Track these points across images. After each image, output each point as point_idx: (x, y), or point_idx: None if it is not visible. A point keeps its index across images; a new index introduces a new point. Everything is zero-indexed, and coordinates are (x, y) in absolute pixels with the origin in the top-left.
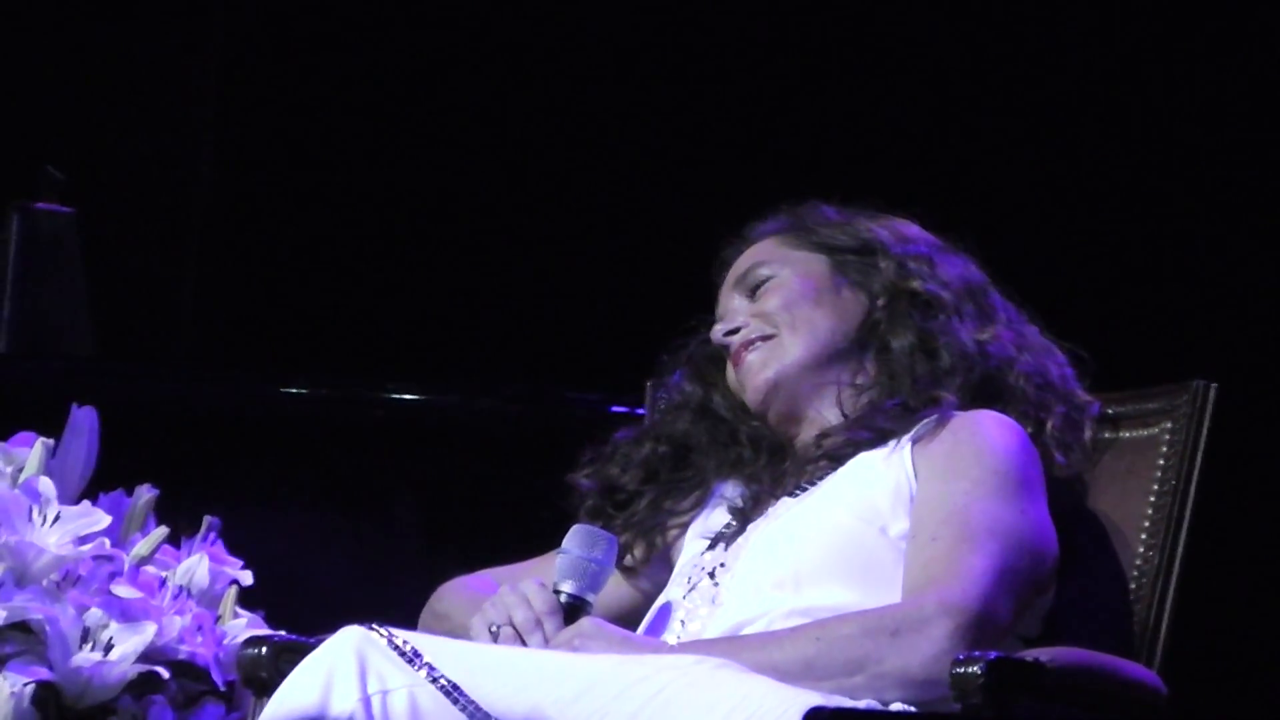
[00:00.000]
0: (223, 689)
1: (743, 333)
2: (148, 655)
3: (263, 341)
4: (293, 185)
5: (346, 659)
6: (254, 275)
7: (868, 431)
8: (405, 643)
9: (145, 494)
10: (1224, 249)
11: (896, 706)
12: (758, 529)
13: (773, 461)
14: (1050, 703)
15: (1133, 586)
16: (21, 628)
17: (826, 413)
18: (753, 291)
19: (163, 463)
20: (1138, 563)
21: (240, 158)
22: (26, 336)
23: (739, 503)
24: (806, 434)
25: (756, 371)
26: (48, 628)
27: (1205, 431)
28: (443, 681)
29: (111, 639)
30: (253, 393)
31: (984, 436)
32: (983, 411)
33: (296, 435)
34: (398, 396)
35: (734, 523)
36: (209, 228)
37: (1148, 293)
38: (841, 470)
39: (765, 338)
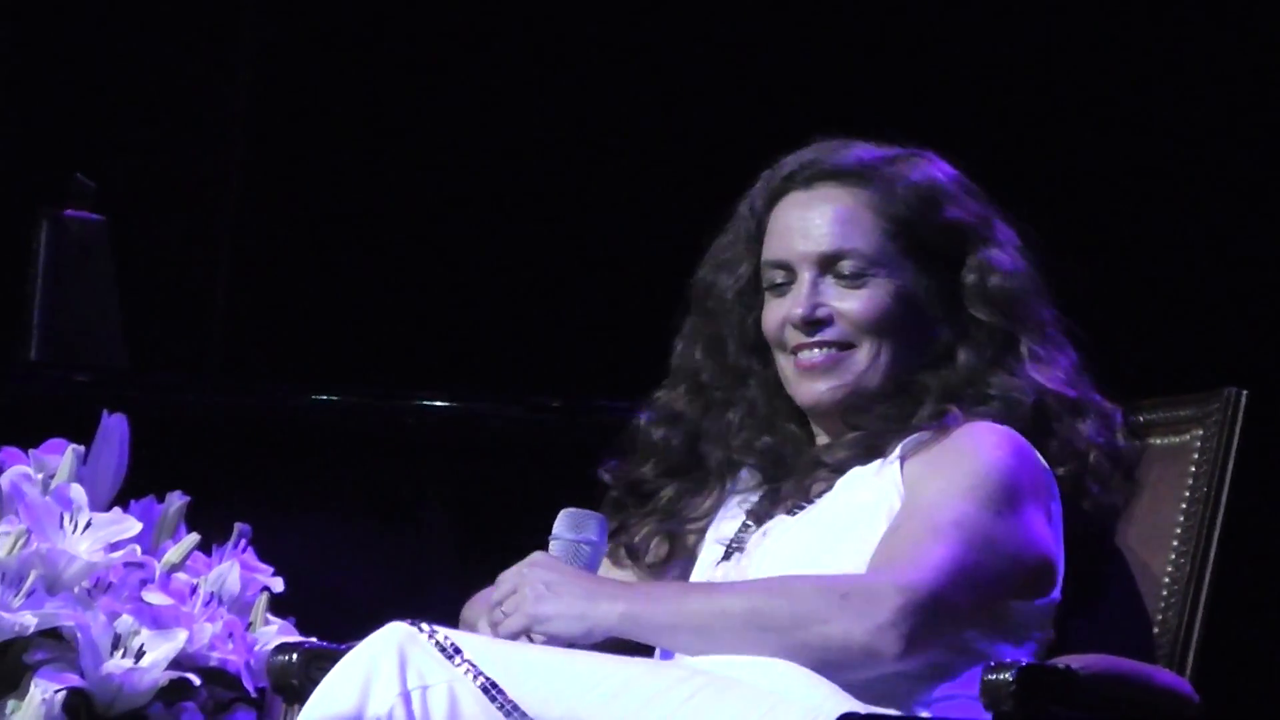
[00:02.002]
0: (254, 695)
1: (826, 333)
2: (179, 662)
3: (294, 349)
4: (324, 194)
5: (388, 654)
6: (285, 283)
7: (870, 444)
8: (447, 639)
9: (176, 501)
10: (1257, 255)
11: (926, 715)
12: (759, 548)
13: (785, 460)
14: (1080, 710)
15: (1164, 594)
16: (53, 635)
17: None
18: (838, 274)
19: (193, 470)
20: (1169, 570)
21: (272, 166)
22: (57, 344)
23: (749, 506)
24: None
25: (822, 384)
26: (79, 635)
27: (1237, 438)
28: (482, 680)
29: (143, 646)
30: (284, 400)
31: (973, 444)
32: (980, 422)
33: (327, 443)
34: (428, 404)
35: (744, 531)
36: (240, 235)
37: (1180, 299)
38: (839, 485)
39: (844, 346)
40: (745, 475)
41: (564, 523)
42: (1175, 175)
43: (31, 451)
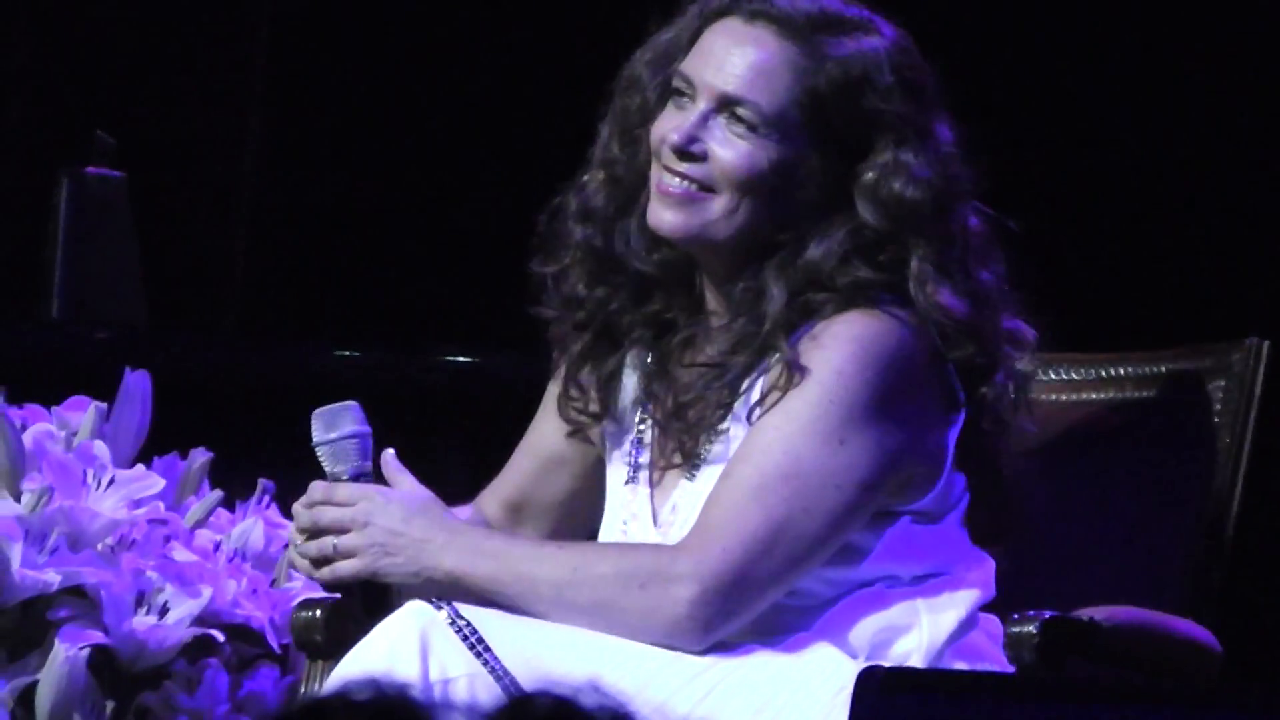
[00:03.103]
0: (278, 652)
1: (687, 162)
2: (203, 619)
3: (314, 305)
4: (344, 149)
5: (409, 641)
6: (305, 239)
7: (744, 362)
8: (468, 624)
9: (199, 458)
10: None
11: (958, 665)
12: (673, 525)
13: (676, 331)
14: (1103, 661)
15: (1187, 545)
16: (76, 592)
17: (731, 277)
18: (732, 118)
19: (216, 427)
20: (1191, 520)
21: (292, 123)
22: (78, 302)
23: (642, 415)
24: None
25: (670, 215)
26: (103, 592)
27: (1259, 388)
28: (500, 671)
29: (166, 602)
30: (305, 356)
31: (827, 353)
32: (845, 317)
33: (348, 399)
34: (451, 359)
35: (639, 446)
36: (260, 192)
37: (1202, 249)
38: (732, 432)
39: (705, 188)
40: (639, 346)
41: (317, 426)
42: (1198, 122)
43: (54, 409)
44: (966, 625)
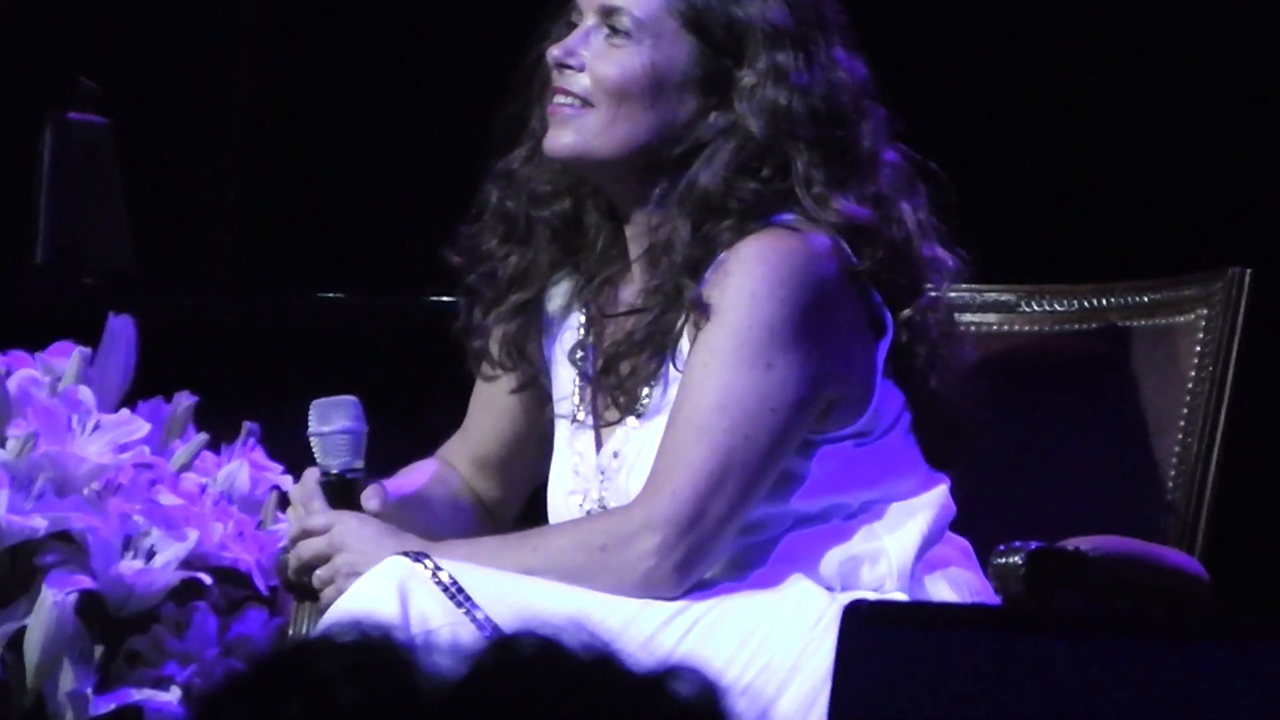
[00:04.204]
0: (265, 594)
1: (567, 78)
2: (190, 562)
3: (300, 249)
4: (333, 92)
5: (388, 596)
6: (292, 183)
7: (664, 308)
8: (450, 577)
9: (184, 401)
10: (1262, 133)
11: (944, 595)
12: (622, 473)
13: (600, 260)
14: (1090, 591)
15: (1172, 474)
16: (63, 537)
17: (637, 217)
18: (610, 29)
19: (201, 370)
20: (1177, 450)
21: (280, 65)
22: (62, 247)
23: (578, 358)
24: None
25: (555, 134)
26: (89, 537)
27: (1241, 317)
28: (482, 619)
29: (153, 546)
30: (291, 300)
31: (737, 279)
32: (745, 244)
33: (335, 342)
34: (436, 302)
35: (582, 402)
36: (247, 136)
37: (1183, 178)
38: (672, 379)
39: (585, 103)
40: (562, 289)
41: (313, 416)
42: (1178, 52)
43: (38, 354)
44: (930, 540)
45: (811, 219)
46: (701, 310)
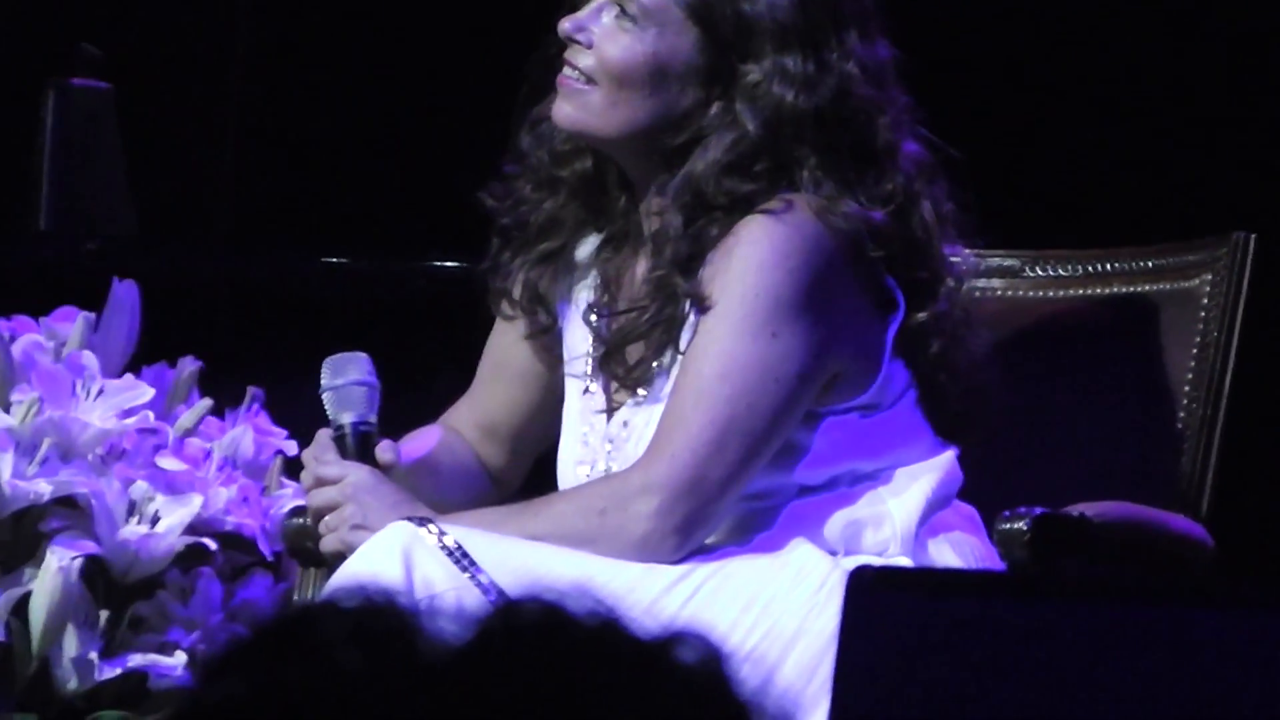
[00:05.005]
0: (270, 559)
1: (575, 53)
2: (194, 528)
3: (303, 213)
4: (333, 55)
5: (392, 561)
6: (294, 147)
7: (665, 301)
8: (455, 542)
9: (188, 366)
10: (1269, 97)
11: (948, 559)
12: (630, 441)
13: (622, 236)
14: (1096, 558)
15: (1177, 440)
16: (67, 502)
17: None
18: (621, 11)
19: (205, 335)
20: (1182, 415)
21: (280, 30)
22: (66, 213)
23: (592, 323)
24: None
25: (560, 105)
26: (93, 502)
27: (1247, 283)
28: (486, 584)
29: (158, 512)
30: (294, 264)
31: (745, 251)
32: (751, 220)
33: (338, 306)
34: (439, 265)
35: (596, 377)
36: (248, 100)
37: (1189, 142)
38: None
39: (588, 80)
40: (588, 245)
41: (326, 372)
42: (1182, 18)
43: (42, 320)
44: (934, 505)
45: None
46: (700, 302)
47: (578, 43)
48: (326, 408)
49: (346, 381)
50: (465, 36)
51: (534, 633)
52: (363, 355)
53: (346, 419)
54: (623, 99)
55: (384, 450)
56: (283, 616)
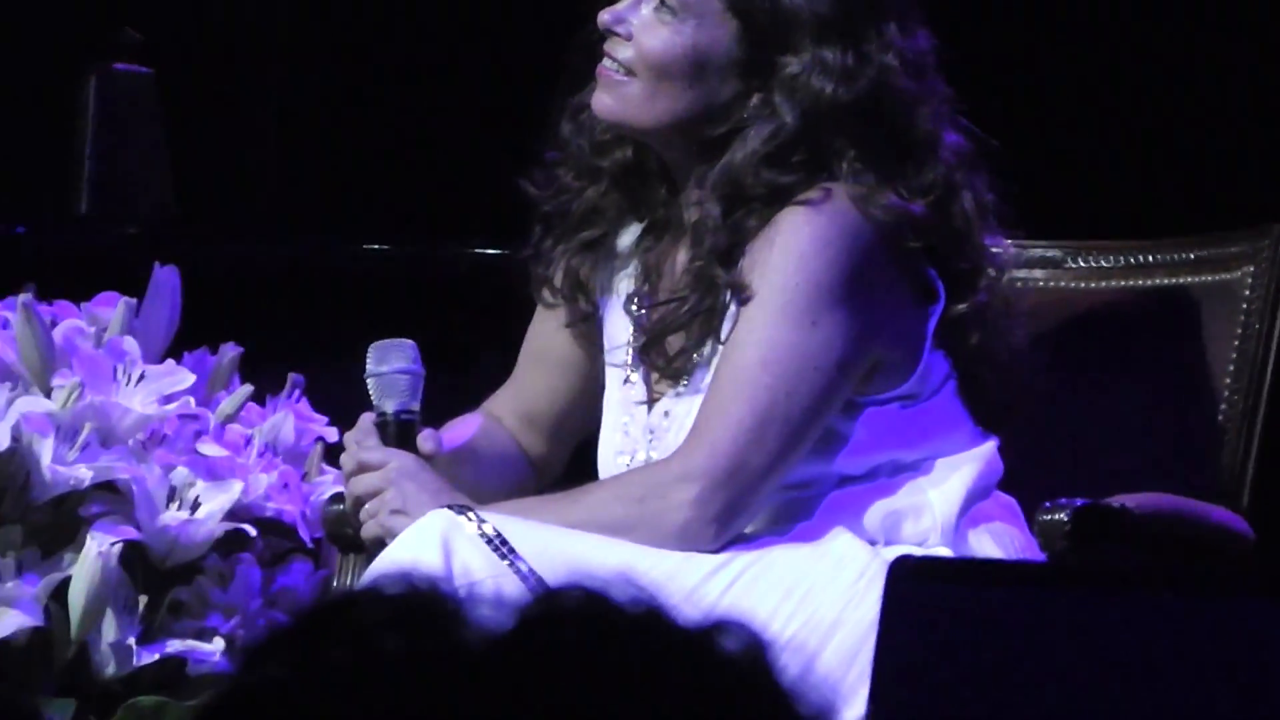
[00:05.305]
0: (310, 546)
1: (614, 44)
2: (234, 513)
3: (345, 198)
4: (375, 38)
5: (431, 548)
6: (335, 131)
7: (706, 288)
8: (494, 529)
9: (229, 352)
10: None
11: (988, 549)
12: (670, 433)
13: (661, 227)
14: (1136, 549)
15: (1217, 431)
16: (108, 488)
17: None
18: (661, 2)
19: (246, 321)
20: (1223, 407)
21: (321, 12)
22: (107, 197)
23: (632, 310)
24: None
25: (599, 96)
26: (134, 487)
27: None
28: (525, 572)
29: (198, 497)
30: (335, 250)
31: (786, 240)
32: (792, 210)
33: (380, 291)
34: (480, 251)
35: (634, 367)
36: (289, 85)
37: (1232, 133)
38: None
39: (627, 71)
40: (630, 234)
41: (371, 357)
42: (1226, 9)
43: (83, 305)
44: (975, 495)
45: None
46: (740, 292)
47: (617, 34)
48: (370, 393)
49: (391, 369)
50: (509, 20)
51: (577, 619)
52: (409, 342)
53: (389, 406)
54: (662, 91)
55: (425, 439)
56: (326, 601)
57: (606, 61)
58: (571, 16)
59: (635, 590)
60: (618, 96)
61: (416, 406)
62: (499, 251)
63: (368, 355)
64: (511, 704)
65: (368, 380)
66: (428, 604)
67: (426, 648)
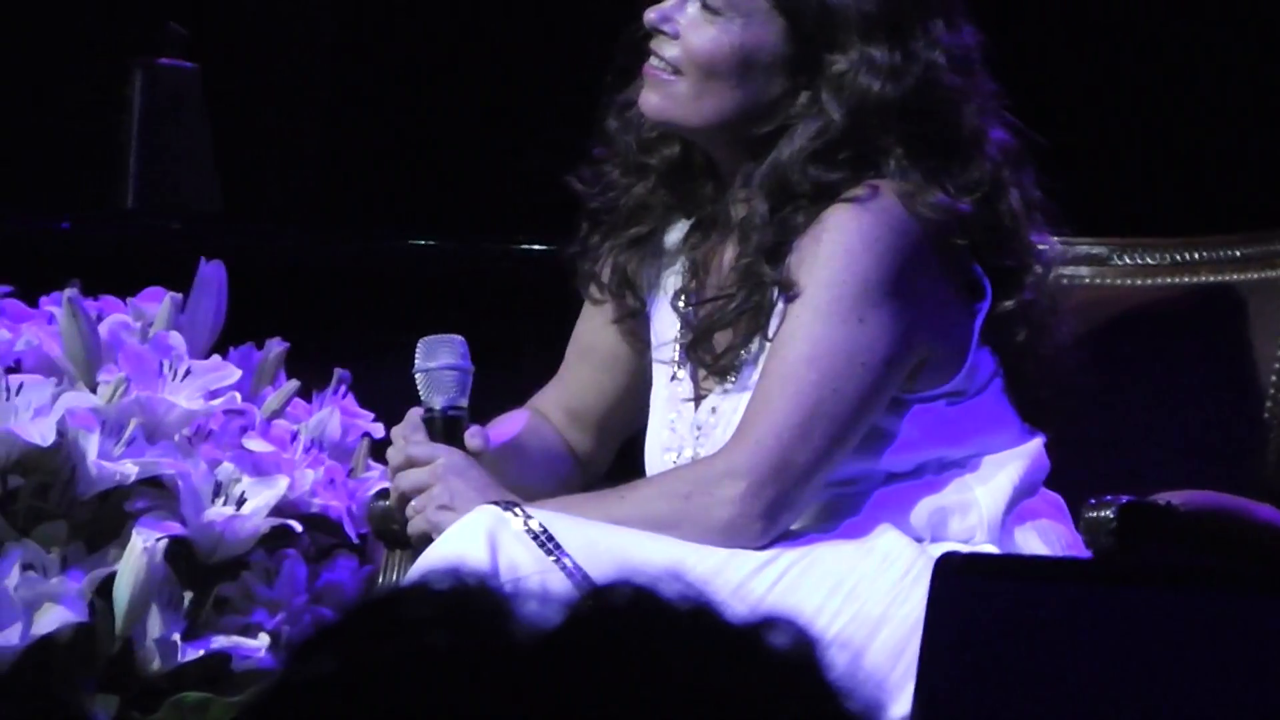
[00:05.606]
0: (355, 542)
1: (661, 43)
2: (280, 509)
3: (391, 194)
4: (421, 34)
5: (478, 543)
6: (380, 127)
7: (754, 285)
8: (540, 525)
9: (275, 348)
10: None
11: (1034, 546)
12: (717, 429)
13: (709, 218)
14: (1183, 546)
15: (1263, 429)
16: (153, 483)
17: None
18: (705, 2)
19: (292, 316)
20: (1269, 405)
21: (366, 8)
22: (153, 192)
23: (680, 305)
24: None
25: (646, 96)
26: (180, 483)
27: None
28: (571, 568)
29: (244, 493)
30: (381, 245)
31: (833, 236)
32: (837, 208)
33: (425, 287)
34: (527, 248)
35: (680, 362)
36: (334, 80)
37: (1276, 131)
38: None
39: (674, 70)
40: (678, 230)
41: (420, 353)
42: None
43: (129, 300)
44: (1021, 492)
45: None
46: (787, 289)
47: (663, 33)
48: (419, 388)
49: (440, 365)
50: (558, 16)
51: (627, 616)
52: (458, 338)
53: (437, 402)
54: (709, 89)
55: (473, 436)
56: (373, 597)
57: (653, 60)
58: (619, 13)
59: (684, 586)
60: (665, 95)
61: (464, 403)
62: (546, 247)
63: (417, 350)
64: (562, 700)
65: (416, 375)
66: (476, 600)
67: (475, 644)
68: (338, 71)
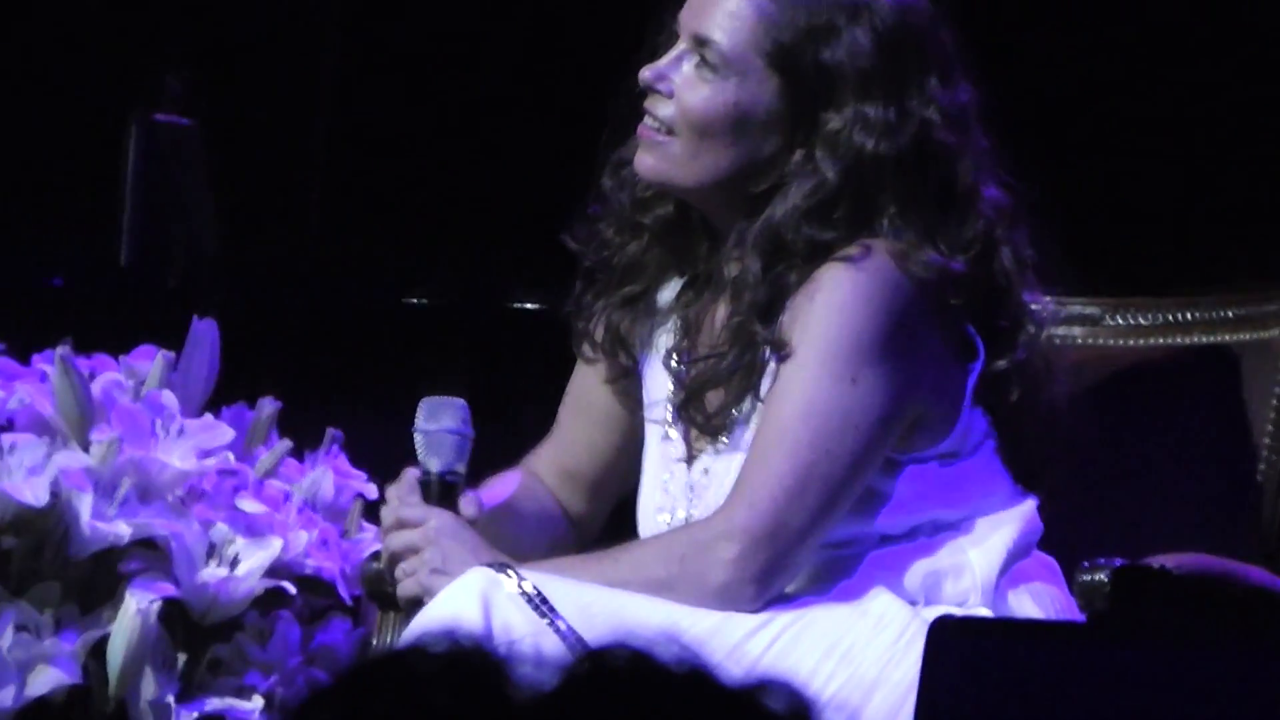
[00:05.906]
0: (349, 603)
1: (655, 102)
2: (274, 570)
3: (386, 252)
4: (417, 93)
5: (472, 605)
6: (378, 186)
7: (746, 344)
8: (534, 587)
9: (268, 407)
10: None
11: (1028, 609)
12: (709, 490)
13: (702, 279)
14: (1176, 609)
15: (1256, 491)
16: (147, 544)
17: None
18: (701, 60)
19: (284, 376)
20: (1261, 468)
21: (364, 66)
22: (147, 249)
23: (672, 364)
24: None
25: (641, 157)
26: (173, 544)
27: None
28: (565, 630)
29: (237, 554)
30: (375, 302)
31: (827, 295)
32: (832, 266)
33: (420, 346)
34: (522, 306)
35: (673, 422)
36: (334, 135)
37: (1270, 191)
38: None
39: (668, 130)
40: (671, 289)
41: (421, 414)
42: (1265, 66)
43: (122, 358)
44: (1015, 555)
45: (885, 254)
46: (779, 348)
47: (658, 92)
48: (417, 448)
49: (440, 428)
50: (549, 76)
51: (623, 679)
52: (460, 402)
53: (434, 466)
54: (704, 149)
55: (468, 504)
56: (372, 658)
57: (648, 120)
58: (613, 68)
59: (680, 650)
60: (660, 156)
61: (462, 469)
62: (540, 305)
63: (418, 410)
64: None
65: (415, 435)
66: (474, 661)
67: (475, 705)
68: (335, 129)
